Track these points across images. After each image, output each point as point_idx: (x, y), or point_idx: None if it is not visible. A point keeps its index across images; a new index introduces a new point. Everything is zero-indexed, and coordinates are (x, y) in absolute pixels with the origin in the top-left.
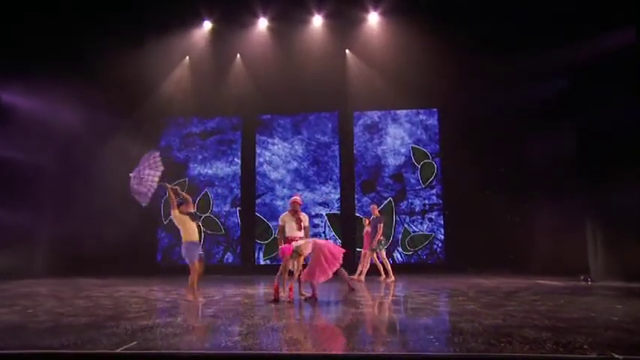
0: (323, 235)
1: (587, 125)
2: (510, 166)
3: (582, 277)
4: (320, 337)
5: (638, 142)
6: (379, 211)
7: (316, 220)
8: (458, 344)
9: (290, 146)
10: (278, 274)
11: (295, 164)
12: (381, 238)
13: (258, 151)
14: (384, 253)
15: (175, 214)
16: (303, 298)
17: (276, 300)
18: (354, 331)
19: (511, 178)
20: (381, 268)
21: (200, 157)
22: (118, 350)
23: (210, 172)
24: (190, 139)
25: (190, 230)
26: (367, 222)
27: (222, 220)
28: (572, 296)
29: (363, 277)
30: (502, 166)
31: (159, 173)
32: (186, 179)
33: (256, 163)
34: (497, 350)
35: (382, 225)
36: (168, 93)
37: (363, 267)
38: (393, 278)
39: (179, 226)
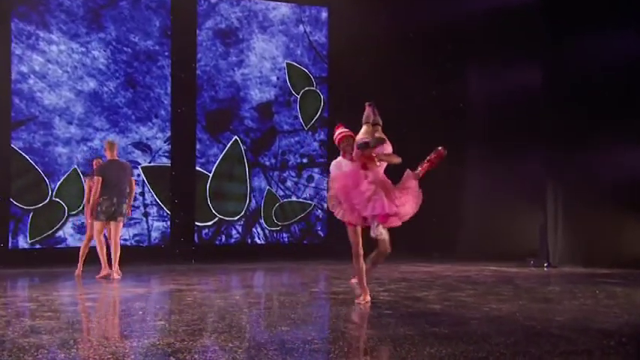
0: (140, 200)
1: (563, 58)
2: (429, 106)
3: (531, 262)
4: None
5: (631, 87)
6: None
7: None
8: None
9: (83, 50)
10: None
11: (93, 83)
12: (99, 200)
13: (17, 51)
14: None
15: None
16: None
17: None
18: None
19: (427, 122)
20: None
21: None
22: None
23: None
24: None
25: None
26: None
27: None
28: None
29: (115, 267)
30: (411, 102)
31: None
32: None
33: (13, 74)
34: None
35: (98, 183)
36: None
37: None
38: (105, 272)
39: None
